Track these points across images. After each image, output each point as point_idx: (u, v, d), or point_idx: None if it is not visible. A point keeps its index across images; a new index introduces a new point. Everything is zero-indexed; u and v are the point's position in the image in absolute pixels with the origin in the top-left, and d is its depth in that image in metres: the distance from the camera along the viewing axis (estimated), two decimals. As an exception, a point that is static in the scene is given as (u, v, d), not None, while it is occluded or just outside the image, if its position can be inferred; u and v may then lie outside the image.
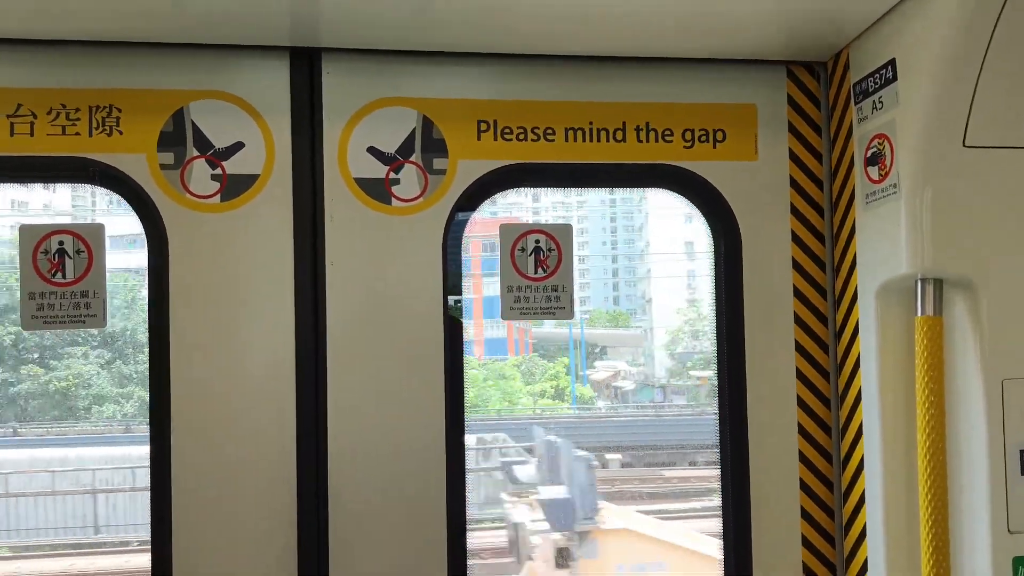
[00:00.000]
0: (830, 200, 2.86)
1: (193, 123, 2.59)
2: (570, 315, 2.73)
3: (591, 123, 2.75)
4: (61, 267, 2.57)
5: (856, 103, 2.69)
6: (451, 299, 2.68)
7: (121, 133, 2.57)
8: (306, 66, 2.65)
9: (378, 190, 2.66)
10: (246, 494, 2.58)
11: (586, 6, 2.42)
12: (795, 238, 2.84)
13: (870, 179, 2.62)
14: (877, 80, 2.58)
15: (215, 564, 2.55)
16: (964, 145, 2.39)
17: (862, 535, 2.70)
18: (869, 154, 2.63)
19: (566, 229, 2.76)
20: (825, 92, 2.87)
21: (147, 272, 2.61)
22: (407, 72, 2.68)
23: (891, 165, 2.52)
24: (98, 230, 2.61)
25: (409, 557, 2.62)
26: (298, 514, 2.59)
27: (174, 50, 2.59)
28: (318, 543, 2.59)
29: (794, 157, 2.85)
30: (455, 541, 2.64)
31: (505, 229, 2.73)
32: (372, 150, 2.66)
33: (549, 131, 2.73)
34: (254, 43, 2.60)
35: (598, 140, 2.75)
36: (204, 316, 2.58)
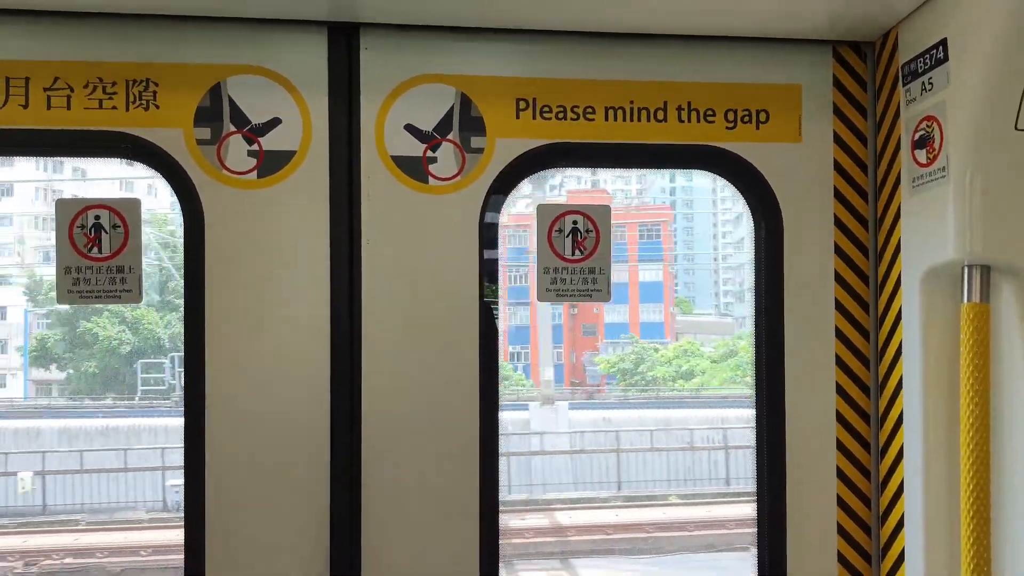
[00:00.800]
0: (875, 184, 2.80)
1: (230, 98, 2.57)
2: (607, 297, 2.70)
3: (632, 102, 2.70)
4: (97, 241, 2.56)
5: (904, 84, 2.62)
6: (487, 284, 2.66)
7: (158, 107, 2.55)
8: (344, 41, 2.62)
9: (415, 168, 2.63)
10: (279, 472, 2.57)
11: None
12: (838, 222, 2.79)
13: (917, 162, 2.56)
14: (927, 61, 2.52)
15: (248, 546, 2.55)
16: (1016, 128, 2.33)
17: (899, 525, 2.66)
18: (917, 137, 2.57)
19: (604, 210, 2.72)
20: (872, 73, 2.80)
21: (183, 247, 2.60)
22: (445, 48, 2.64)
23: (940, 148, 2.46)
24: (134, 205, 2.60)
25: (442, 538, 2.61)
26: (331, 494, 2.58)
27: (212, 24, 2.57)
28: (351, 523, 2.58)
29: (839, 139, 2.80)
30: (488, 523, 2.62)
31: (543, 209, 2.69)
32: (410, 127, 2.63)
33: (589, 110, 2.69)
34: (292, 17, 2.57)
35: (639, 120, 2.70)
36: (240, 292, 2.57)
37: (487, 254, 2.66)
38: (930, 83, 2.51)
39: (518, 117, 2.66)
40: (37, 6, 2.48)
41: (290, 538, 2.57)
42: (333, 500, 2.58)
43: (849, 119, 2.80)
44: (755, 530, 2.83)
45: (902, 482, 2.65)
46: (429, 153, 2.64)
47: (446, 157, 2.64)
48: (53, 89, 2.52)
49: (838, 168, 2.80)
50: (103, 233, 2.57)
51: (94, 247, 2.56)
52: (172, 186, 2.60)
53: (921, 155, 2.55)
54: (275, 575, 2.56)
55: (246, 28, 2.58)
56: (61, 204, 2.58)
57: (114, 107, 2.54)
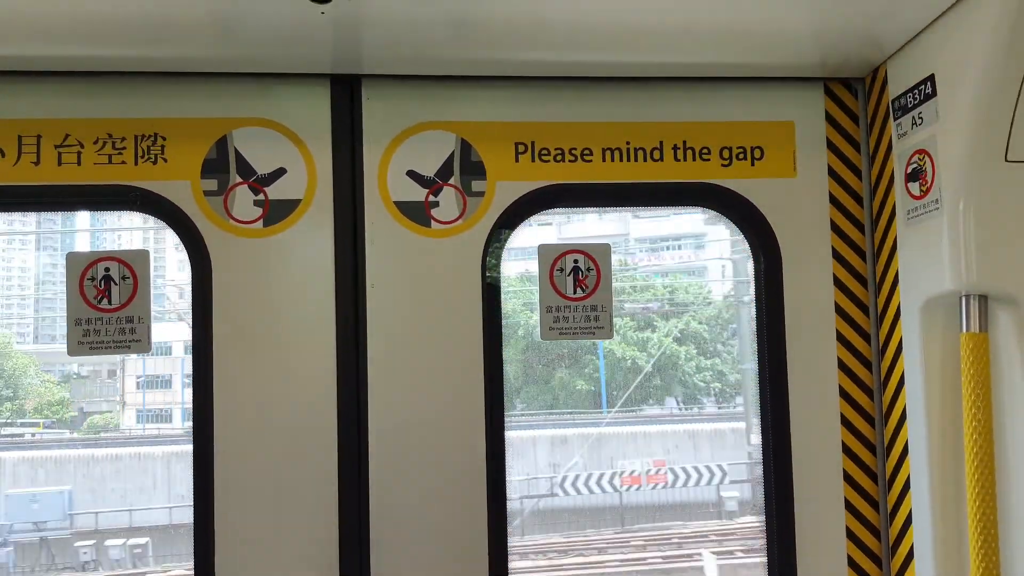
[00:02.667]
0: (871, 216, 2.84)
1: (236, 150, 2.63)
2: (609, 335, 2.73)
3: (628, 143, 2.76)
4: (107, 293, 2.61)
5: (895, 119, 2.68)
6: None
7: (166, 161, 2.61)
8: (346, 92, 2.68)
9: (418, 213, 2.68)
10: (288, 502, 2.59)
11: (621, 25, 2.43)
12: (836, 255, 2.83)
13: (911, 195, 2.60)
14: (916, 96, 2.57)
15: (258, 561, 2.56)
16: (1006, 160, 2.37)
17: (910, 555, 2.66)
18: (910, 170, 2.61)
19: (604, 249, 2.76)
20: (863, 108, 2.86)
21: (191, 295, 2.64)
22: (445, 96, 2.71)
23: (932, 181, 2.50)
24: (143, 256, 2.65)
25: (450, 552, 2.61)
26: (339, 525, 2.59)
27: (217, 79, 2.64)
28: (360, 547, 2.59)
29: (833, 174, 2.84)
30: (496, 536, 2.63)
31: (544, 249, 2.74)
32: (412, 173, 2.69)
33: (586, 152, 2.74)
34: (296, 71, 2.64)
35: (635, 160, 2.76)
36: (247, 340, 2.61)
37: (489, 295, 2.70)
38: (920, 117, 2.56)
39: (517, 160, 2.72)
40: (48, 67, 2.55)
41: (300, 555, 2.58)
42: (342, 528, 2.59)
43: (843, 153, 2.85)
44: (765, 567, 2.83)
45: (910, 512, 2.65)
46: (431, 198, 2.69)
47: (448, 201, 2.69)
48: (64, 146, 2.59)
49: (834, 201, 2.84)
50: (112, 285, 2.62)
51: (103, 299, 2.61)
52: (180, 236, 2.65)
53: (914, 187, 2.60)
54: None
55: (251, 82, 2.65)
56: (71, 257, 2.64)
57: (123, 161, 2.60)
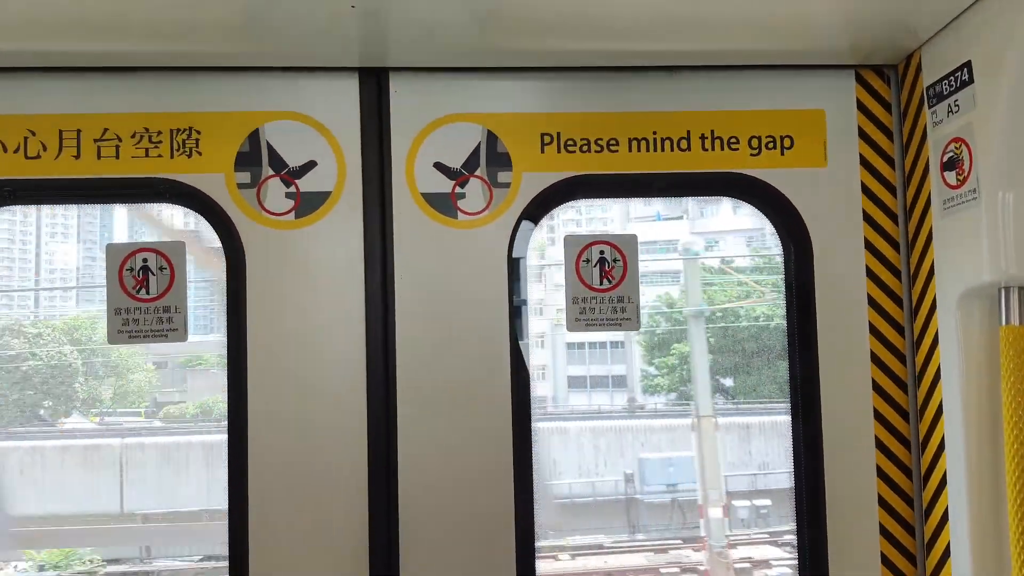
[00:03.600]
0: (904, 207, 2.78)
1: (268, 143, 2.69)
2: (636, 326, 2.72)
3: (655, 132, 2.74)
4: (145, 283, 2.69)
5: (930, 107, 2.61)
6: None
7: (200, 154, 2.68)
8: (374, 86, 2.72)
9: (445, 204, 2.70)
10: (319, 498, 2.63)
11: (648, 13, 2.42)
12: (868, 246, 2.77)
13: (947, 184, 2.54)
14: (952, 83, 2.51)
15: (290, 568, 2.62)
16: None
17: (946, 553, 2.60)
18: (945, 159, 2.55)
19: (631, 239, 2.76)
20: (896, 96, 2.80)
21: (225, 286, 2.71)
22: (471, 88, 2.73)
23: (970, 170, 2.44)
24: (180, 248, 2.72)
25: (477, 560, 2.63)
26: (370, 522, 2.63)
27: (249, 73, 2.70)
28: (388, 549, 2.63)
29: (865, 163, 2.79)
30: (524, 543, 2.65)
31: (570, 240, 2.74)
32: (439, 165, 2.71)
33: (612, 142, 2.73)
34: (325, 65, 2.68)
35: (662, 150, 2.74)
36: (280, 328, 2.66)
37: (515, 284, 2.71)
38: (956, 105, 2.50)
39: (543, 151, 2.73)
40: (87, 63, 2.64)
41: (330, 559, 2.63)
42: (372, 530, 2.63)
43: (875, 142, 2.80)
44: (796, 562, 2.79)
45: (946, 510, 2.60)
46: (458, 189, 2.71)
47: (474, 193, 2.71)
48: (103, 140, 2.67)
49: (866, 191, 2.79)
50: (150, 275, 2.69)
51: (142, 288, 2.68)
52: (214, 227, 2.72)
53: (951, 177, 2.54)
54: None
55: (282, 76, 2.70)
56: (111, 249, 2.72)
57: (159, 155, 2.68)
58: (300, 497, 2.62)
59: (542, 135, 2.73)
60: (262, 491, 2.61)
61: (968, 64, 2.44)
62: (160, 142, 2.68)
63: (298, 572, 2.62)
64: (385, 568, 2.62)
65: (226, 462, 2.65)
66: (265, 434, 2.63)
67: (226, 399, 2.67)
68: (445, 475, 2.65)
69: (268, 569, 2.61)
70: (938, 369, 2.62)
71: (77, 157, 2.66)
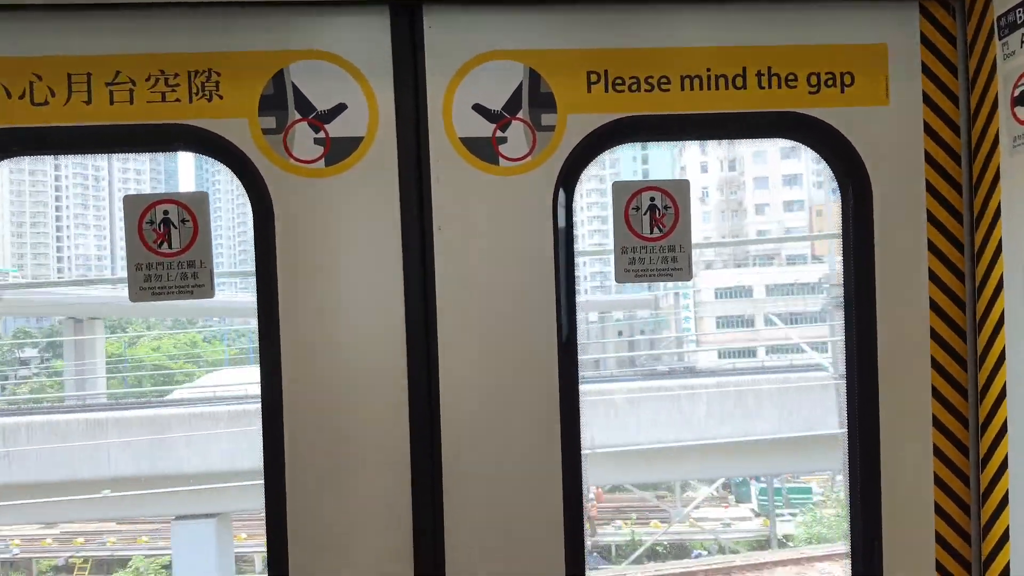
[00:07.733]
0: (969, 146, 2.65)
1: (294, 85, 2.50)
2: (688, 276, 2.60)
3: (708, 70, 2.57)
4: (167, 237, 2.53)
5: (1000, 38, 2.46)
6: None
7: (221, 98, 2.49)
8: (407, 21, 2.53)
9: (485, 149, 2.54)
10: (358, 462, 2.53)
11: None
12: (930, 188, 2.64)
13: (1018, 120, 2.41)
14: None
15: (330, 550, 2.52)
16: None
17: (1004, 536, 2.53)
18: (1017, 93, 2.41)
19: (683, 185, 2.61)
20: (962, 29, 2.63)
21: (253, 239, 2.55)
22: (511, 23, 2.54)
23: None
24: (202, 199, 2.56)
25: (525, 533, 2.55)
26: (412, 486, 2.53)
27: (271, 9, 2.50)
28: (433, 516, 2.53)
29: (928, 100, 2.64)
30: (572, 516, 2.56)
31: (618, 187, 2.59)
32: (478, 107, 2.54)
33: (664, 80, 2.57)
34: None
35: (716, 88, 2.58)
36: (312, 283, 2.52)
37: (561, 235, 2.57)
38: None
39: (589, 91, 2.56)
40: (97, 0, 2.43)
41: (373, 535, 2.53)
42: (415, 492, 2.53)
43: (939, 78, 2.65)
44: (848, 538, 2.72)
45: (1006, 493, 2.50)
46: (499, 133, 2.55)
47: (516, 137, 2.55)
48: (115, 84, 2.47)
49: (928, 131, 2.64)
50: (172, 228, 2.53)
51: (164, 243, 2.52)
52: (239, 177, 2.54)
53: (1022, 112, 2.40)
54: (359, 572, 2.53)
55: (306, 12, 2.50)
56: (128, 200, 2.55)
57: (177, 99, 2.49)
58: (337, 447, 2.52)
59: (588, 73, 2.55)
60: (297, 447, 2.51)
61: None
62: (177, 85, 2.48)
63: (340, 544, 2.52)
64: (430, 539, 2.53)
65: (260, 417, 2.53)
66: (300, 393, 2.51)
67: (259, 352, 2.55)
68: (490, 431, 2.55)
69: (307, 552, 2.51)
70: (1001, 316, 2.52)
71: (88, 103, 2.47)
